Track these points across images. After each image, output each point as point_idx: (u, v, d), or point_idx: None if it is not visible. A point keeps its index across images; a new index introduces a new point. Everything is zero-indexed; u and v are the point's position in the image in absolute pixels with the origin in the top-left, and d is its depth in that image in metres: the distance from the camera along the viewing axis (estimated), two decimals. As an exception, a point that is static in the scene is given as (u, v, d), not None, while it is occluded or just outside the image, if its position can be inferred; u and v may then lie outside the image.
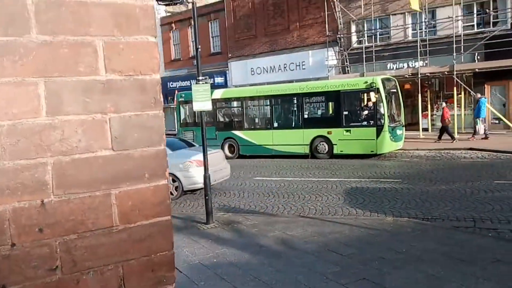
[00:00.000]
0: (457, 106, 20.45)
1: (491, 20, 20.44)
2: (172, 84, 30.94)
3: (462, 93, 20.36)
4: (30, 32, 0.97)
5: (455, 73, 19.54)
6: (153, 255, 1.13)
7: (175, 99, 22.37)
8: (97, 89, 1.05)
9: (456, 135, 19.54)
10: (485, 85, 20.51)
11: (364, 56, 22.26)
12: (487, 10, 20.43)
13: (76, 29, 1.02)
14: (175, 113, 22.38)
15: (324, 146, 16.90)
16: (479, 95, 18.81)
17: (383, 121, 15.73)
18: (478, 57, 20.15)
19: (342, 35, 23.91)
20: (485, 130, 18.28)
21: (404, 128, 17.65)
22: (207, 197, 8.28)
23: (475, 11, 20.86)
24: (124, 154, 1.09)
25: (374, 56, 22.27)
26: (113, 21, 1.05)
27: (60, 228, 1.02)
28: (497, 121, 20.40)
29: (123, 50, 1.07)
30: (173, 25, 32.23)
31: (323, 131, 16.94)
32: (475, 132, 18.22)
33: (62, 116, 1.01)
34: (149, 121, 1.11)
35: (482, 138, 17.87)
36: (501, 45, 18.48)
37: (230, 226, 8.00)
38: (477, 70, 19.78)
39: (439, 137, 18.48)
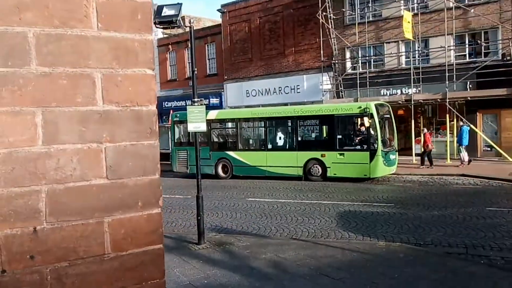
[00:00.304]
0: (450, 133, 20.68)
1: (483, 50, 20.86)
2: (167, 104, 31.04)
3: (455, 120, 20.60)
4: (30, 64, 1.00)
5: (447, 100, 19.82)
6: (144, 283, 1.14)
7: (169, 118, 22.42)
8: (94, 119, 1.07)
9: (448, 161, 19.72)
10: (477, 113, 20.78)
11: (358, 81, 22.55)
12: (479, 41, 20.88)
13: (75, 61, 1.04)
14: (169, 133, 22.38)
15: (318, 169, 16.93)
16: (461, 123, 19.26)
17: (376, 146, 15.84)
18: (470, 86, 20.46)
19: (336, 61, 24.25)
20: (462, 156, 18.67)
21: (397, 153, 17.78)
22: (199, 217, 8.23)
23: (467, 42, 21.29)
24: (119, 182, 1.10)
25: (368, 82, 22.56)
26: (112, 54, 1.08)
27: (52, 255, 1.03)
28: (489, 149, 20.59)
29: (121, 82, 1.09)
30: (170, 46, 32.56)
31: (317, 154, 17.00)
32: (461, 159, 18.50)
33: (58, 145, 1.03)
34: (144, 151, 1.13)
35: (461, 166, 18.16)
36: (493, 75, 18.80)
37: (222, 247, 7.93)
38: (469, 98, 20.07)
39: (422, 163, 18.73)
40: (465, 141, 18.51)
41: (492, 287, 5.62)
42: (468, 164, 18.11)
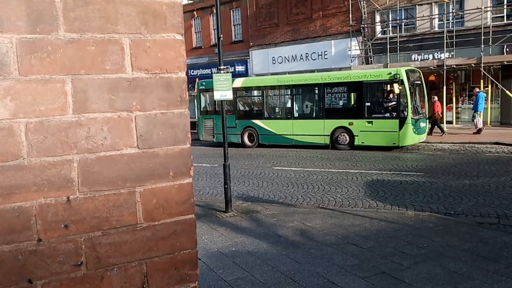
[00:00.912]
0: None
1: (523, 11, 19.82)
2: (193, 72, 31.04)
3: (489, 86, 19.85)
4: (58, 30, 0.97)
5: (482, 65, 19.05)
6: (177, 253, 1.13)
7: (195, 87, 22.45)
8: (123, 87, 1.04)
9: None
10: (514, 78, 19.95)
11: (388, 46, 21.87)
12: (518, 1, 19.80)
13: (103, 27, 1.01)
14: (195, 101, 22.48)
15: (345, 137, 16.75)
16: (477, 90, 18.73)
17: (406, 113, 15.49)
18: (507, 49, 19.56)
19: (366, 25, 23.51)
20: (483, 123, 18.44)
21: (427, 120, 17.35)
22: (226, 186, 8.32)
23: (505, 2, 20.19)
24: (149, 152, 1.08)
25: (398, 47, 21.87)
26: (140, 18, 1.04)
27: (85, 224, 1.03)
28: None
29: (149, 48, 1.06)
30: (194, 12, 32.21)
31: (344, 122, 16.77)
32: (476, 125, 18.27)
33: (88, 113, 1.02)
34: (174, 120, 1.10)
35: (473, 133, 17.92)
36: (532, 37, 17.88)
37: (248, 215, 8.02)
38: (505, 62, 19.21)
39: (431, 131, 18.44)
40: (481, 107, 18.16)
41: (525, 257, 5.51)
42: (479, 133, 17.71)
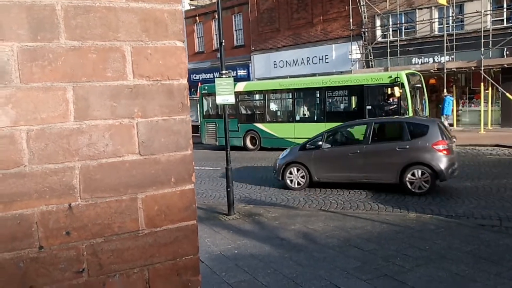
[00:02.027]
0: (484, 102, 19.98)
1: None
2: (195, 76, 31.09)
3: (490, 88, 19.85)
4: (59, 37, 0.98)
5: (482, 68, 19.04)
6: (179, 259, 1.13)
7: (198, 91, 22.50)
8: (124, 94, 1.05)
9: (482, 132, 19.16)
10: (514, 80, 19.93)
11: (388, 50, 21.89)
12: (518, 4, 19.82)
13: (104, 34, 1.02)
14: (197, 105, 22.52)
15: (346, 140, 16.73)
16: (445, 93, 19.04)
17: (407, 116, 15.47)
18: (507, 52, 19.56)
19: (366, 29, 23.54)
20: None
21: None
22: (228, 189, 8.33)
23: (505, 5, 20.22)
24: (151, 158, 1.09)
25: (399, 51, 21.90)
26: (142, 26, 1.05)
27: (87, 231, 1.03)
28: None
29: (151, 55, 1.06)
30: (197, 18, 32.32)
31: (345, 125, 16.74)
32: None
33: (90, 120, 1.02)
34: (176, 126, 1.11)
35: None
36: (532, 40, 17.88)
37: (251, 218, 8.02)
38: (505, 65, 19.20)
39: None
40: (448, 111, 18.55)
41: (528, 260, 5.49)
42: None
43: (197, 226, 1.17)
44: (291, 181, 10.69)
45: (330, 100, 18.12)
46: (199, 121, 22.22)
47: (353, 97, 17.61)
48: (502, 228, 7.03)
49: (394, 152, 9.69)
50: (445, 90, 19.52)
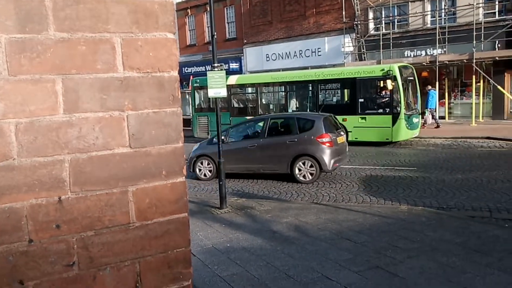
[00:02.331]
0: (476, 95, 20.13)
1: (514, 7, 19.92)
2: (187, 69, 30.95)
3: (481, 81, 19.98)
4: (48, 29, 0.96)
5: (474, 61, 19.15)
6: (170, 252, 1.13)
7: (189, 84, 22.40)
8: (114, 86, 1.04)
9: (473, 124, 19.32)
10: (505, 74, 20.08)
11: (381, 43, 21.93)
12: (510, -3, 19.91)
13: (94, 26, 1.00)
14: (189, 98, 22.43)
15: (339, 133, 16.79)
16: (429, 87, 19.46)
17: (399, 109, 15.56)
18: (499, 45, 19.69)
19: (359, 22, 23.54)
20: (436, 119, 19.25)
21: (420, 116, 17.43)
22: (221, 182, 8.33)
23: (497, -2, 20.32)
24: (142, 151, 1.08)
25: (391, 44, 21.96)
26: (132, 17, 1.04)
27: (77, 224, 1.03)
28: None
29: (141, 47, 1.06)
30: (188, 10, 32.12)
31: (338, 118, 16.77)
32: (436, 121, 19.18)
33: (80, 113, 1.01)
34: (166, 118, 1.10)
35: (435, 127, 18.75)
36: (524, 33, 18.01)
37: (243, 211, 8.04)
38: (497, 58, 19.34)
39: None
40: (431, 104, 19.04)
41: (516, 251, 5.56)
42: (423, 127, 18.31)
43: (189, 219, 1.17)
44: (200, 172, 11.60)
45: (322, 93, 18.15)
46: (191, 115, 22.14)
47: (345, 90, 17.65)
48: (492, 219, 7.11)
49: (285, 145, 10.70)
50: (428, 85, 19.89)
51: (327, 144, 10.42)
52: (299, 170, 10.46)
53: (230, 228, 7.06)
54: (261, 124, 11.69)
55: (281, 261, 5.55)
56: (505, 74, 20.05)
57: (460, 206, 7.89)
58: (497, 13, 20.35)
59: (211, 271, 5.33)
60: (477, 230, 6.51)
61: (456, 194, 8.69)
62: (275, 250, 5.97)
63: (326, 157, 10.33)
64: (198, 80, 20.65)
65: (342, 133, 11.41)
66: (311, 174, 10.39)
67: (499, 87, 19.24)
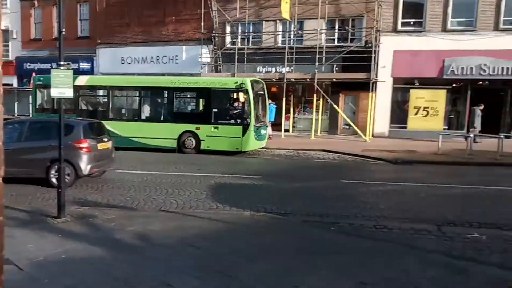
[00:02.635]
0: (316, 111, 22.38)
1: (349, 36, 22.71)
2: (29, 66, 28.18)
3: (321, 99, 22.29)
4: None
5: (316, 81, 21.30)
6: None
7: (31, 81, 20.37)
8: None
9: (313, 137, 21.34)
10: (341, 94, 22.74)
11: (236, 57, 22.94)
12: (346, 27, 22.66)
13: None
14: (30, 97, 20.38)
15: (192, 141, 16.98)
16: (270, 101, 20.78)
17: (249, 121, 16.37)
18: (337, 68, 22.22)
19: (216, 34, 24.27)
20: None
21: (268, 128, 18.63)
22: (59, 190, 7.71)
23: (336, 27, 22.93)
24: None
25: (245, 58, 23.13)
26: None
27: None
28: (347, 127, 22.73)
29: None
30: (35, 1, 29.31)
31: (192, 127, 17.00)
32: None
33: None
34: None
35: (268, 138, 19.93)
36: (356, 60, 20.66)
37: (84, 220, 7.57)
38: (334, 80, 21.85)
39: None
40: (270, 117, 20.06)
41: (339, 252, 6.28)
42: (270, 138, 19.57)
43: (4, 223, 1.09)
44: None
45: (177, 101, 18.18)
46: (31, 115, 20.12)
47: (200, 99, 17.95)
48: (323, 223, 7.91)
49: (43, 149, 10.65)
50: (270, 100, 21.13)
51: (85, 150, 10.64)
52: (55, 174, 10.20)
53: (67, 239, 6.58)
54: (20, 126, 11.31)
55: (122, 270, 5.38)
56: (340, 94, 22.73)
57: (297, 211, 8.62)
58: (336, 40, 22.95)
59: (39, 285, 4.90)
60: (310, 232, 7.20)
61: (294, 200, 9.48)
62: (116, 260, 5.76)
63: (82, 162, 10.57)
64: (42, 78, 18.90)
65: (106, 139, 11.68)
66: (68, 178, 10.11)
67: (335, 105, 21.75)
